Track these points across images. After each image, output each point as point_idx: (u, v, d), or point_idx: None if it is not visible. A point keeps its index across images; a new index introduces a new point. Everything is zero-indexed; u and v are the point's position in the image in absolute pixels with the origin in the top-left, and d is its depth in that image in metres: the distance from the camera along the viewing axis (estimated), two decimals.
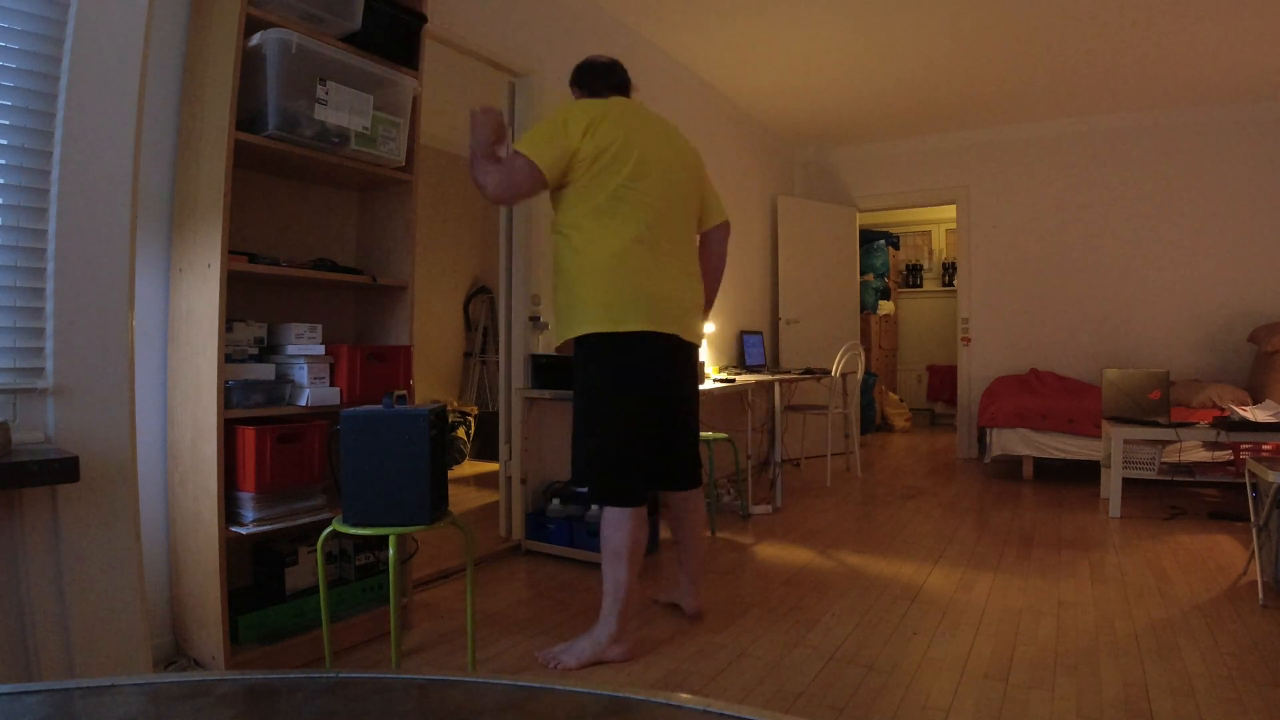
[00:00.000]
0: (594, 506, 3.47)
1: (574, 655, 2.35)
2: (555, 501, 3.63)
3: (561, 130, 2.31)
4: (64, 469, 1.45)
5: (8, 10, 1.55)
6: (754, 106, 6.07)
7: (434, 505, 2.01)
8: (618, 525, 2.36)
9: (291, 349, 2.40)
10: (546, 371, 3.63)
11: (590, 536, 3.42)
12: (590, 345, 2.36)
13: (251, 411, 2.23)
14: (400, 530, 1.96)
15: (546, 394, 3.57)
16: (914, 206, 7.51)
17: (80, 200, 1.64)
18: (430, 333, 6.56)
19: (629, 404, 2.38)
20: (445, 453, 2.15)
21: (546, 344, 3.87)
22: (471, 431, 6.28)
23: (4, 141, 1.56)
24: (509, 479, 3.82)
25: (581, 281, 2.34)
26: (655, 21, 4.49)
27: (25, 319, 1.59)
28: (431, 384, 6.59)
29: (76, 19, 1.62)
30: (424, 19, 2.71)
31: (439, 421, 2.08)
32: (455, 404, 6.47)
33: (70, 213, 1.63)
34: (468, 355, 6.89)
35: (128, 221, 1.71)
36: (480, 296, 6.86)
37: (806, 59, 5.08)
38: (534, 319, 3.81)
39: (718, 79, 5.47)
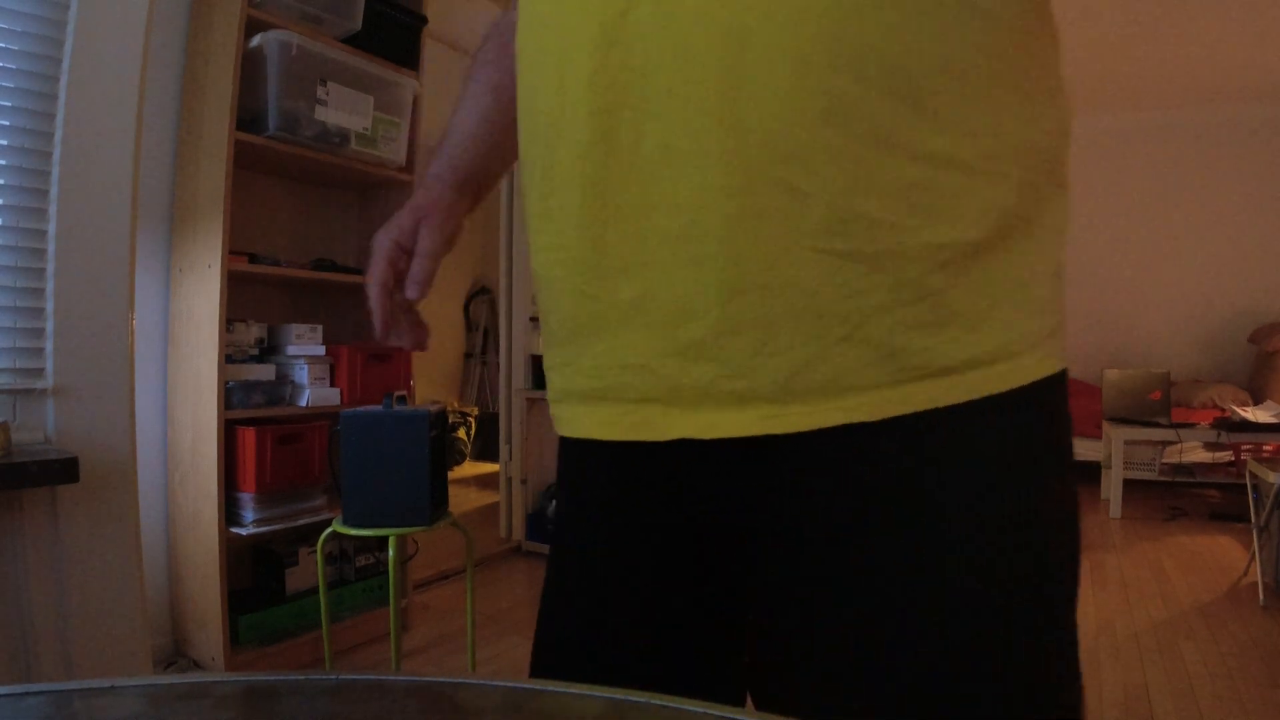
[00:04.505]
0: None
1: None
2: (555, 502, 3.62)
3: None
4: (64, 469, 1.45)
5: (7, 11, 1.55)
6: None
7: (434, 506, 2.01)
8: None
9: (292, 349, 2.40)
10: None
11: None
12: (1049, 400, 0.55)
13: (252, 412, 2.23)
14: (400, 531, 1.96)
15: (547, 394, 3.57)
16: None
17: (80, 200, 1.64)
18: (431, 333, 6.55)
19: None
20: (445, 453, 2.15)
21: None
22: (472, 432, 6.28)
23: (4, 142, 1.56)
24: (509, 480, 3.82)
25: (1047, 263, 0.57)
26: None
27: (25, 319, 1.59)
28: (432, 385, 6.60)
29: (76, 19, 1.61)
30: (424, 20, 2.71)
31: (439, 422, 2.08)
32: (456, 405, 6.47)
33: (70, 213, 1.62)
34: (468, 356, 6.89)
35: (128, 222, 1.71)
36: (480, 297, 6.86)
37: None
38: (534, 319, 3.80)
39: None
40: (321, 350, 2.42)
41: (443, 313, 6.68)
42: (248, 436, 2.19)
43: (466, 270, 6.88)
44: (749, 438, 0.52)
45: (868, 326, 0.48)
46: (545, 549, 3.52)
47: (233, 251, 2.17)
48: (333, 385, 2.44)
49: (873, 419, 0.50)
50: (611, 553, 0.65)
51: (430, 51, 2.89)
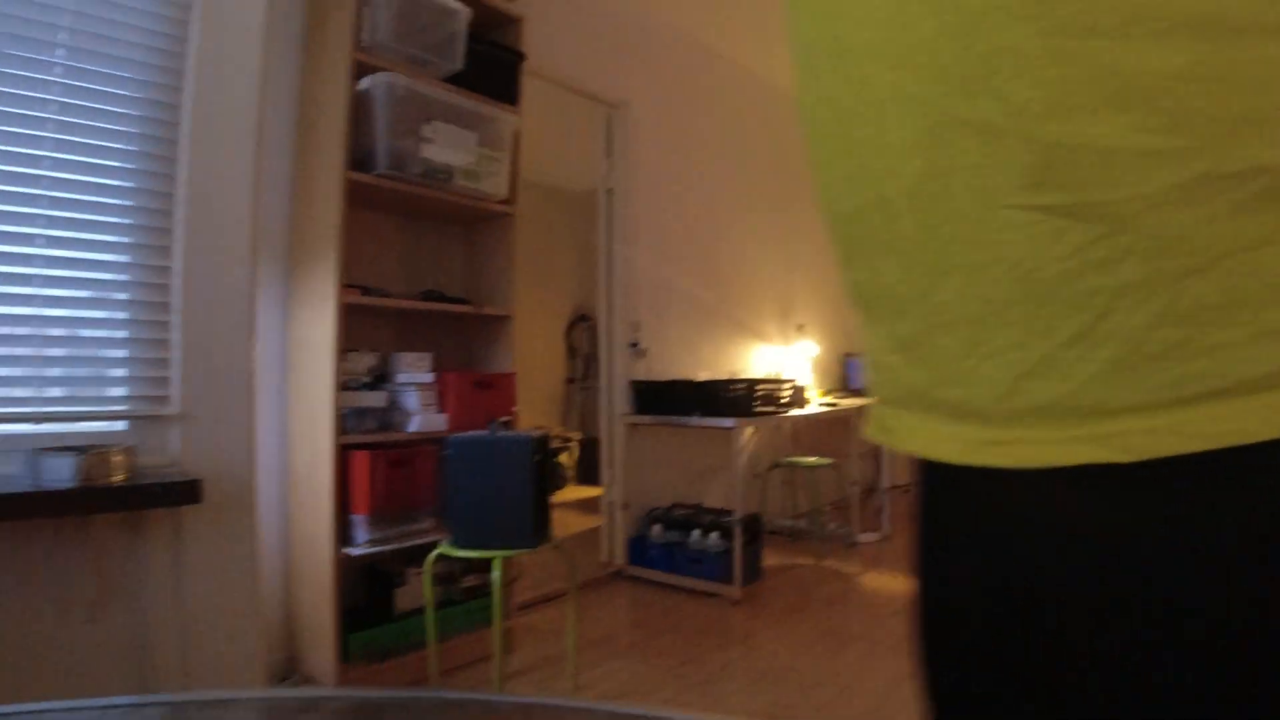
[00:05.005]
0: (695, 532, 3.44)
1: None
2: (657, 527, 3.61)
3: None
4: (188, 491, 1.54)
5: (132, 62, 1.68)
6: None
7: (538, 529, 2.03)
8: None
9: (402, 377, 2.48)
10: (647, 397, 3.64)
11: (691, 563, 3.39)
12: None
13: (364, 437, 2.32)
14: (505, 553, 1.99)
15: (647, 419, 3.57)
16: None
17: (203, 237, 1.75)
18: (533, 360, 6.68)
19: None
20: (549, 478, 2.17)
21: (646, 370, 3.88)
22: (574, 457, 6.34)
23: (131, 184, 1.69)
24: (611, 504, 3.83)
25: None
26: (744, 46, 4.49)
27: (152, 349, 1.70)
28: (534, 410, 6.70)
29: (195, 69, 1.73)
30: (522, 56, 2.79)
31: (542, 447, 2.10)
32: (558, 430, 6.55)
33: (194, 249, 1.73)
34: (570, 381, 6.98)
35: (248, 256, 1.81)
36: (581, 324, 6.95)
37: None
38: (633, 345, 3.82)
39: None
40: (430, 378, 2.50)
41: (544, 340, 6.80)
42: (360, 460, 2.27)
43: (567, 298, 6.99)
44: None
45: (1115, 317, 0.32)
46: (646, 573, 3.51)
47: (346, 284, 2.27)
48: (440, 411, 2.50)
49: (1130, 459, 0.33)
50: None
51: (528, 87, 2.97)
